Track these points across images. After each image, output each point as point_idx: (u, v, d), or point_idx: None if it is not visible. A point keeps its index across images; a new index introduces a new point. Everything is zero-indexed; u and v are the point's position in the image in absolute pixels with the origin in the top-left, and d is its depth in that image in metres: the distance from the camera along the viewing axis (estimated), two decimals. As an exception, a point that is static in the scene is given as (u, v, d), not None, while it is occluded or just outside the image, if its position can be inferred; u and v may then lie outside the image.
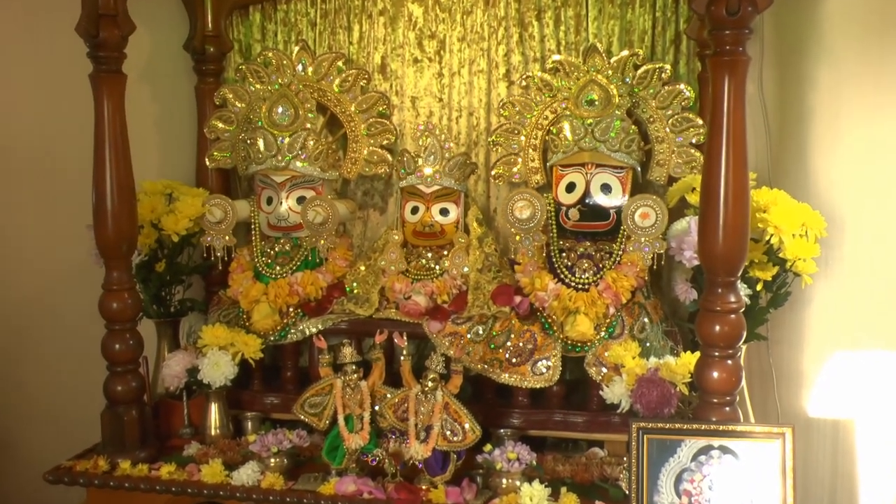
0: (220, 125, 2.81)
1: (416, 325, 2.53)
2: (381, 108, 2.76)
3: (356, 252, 2.84)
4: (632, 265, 2.42)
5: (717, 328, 2.07)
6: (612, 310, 2.41)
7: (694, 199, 2.34)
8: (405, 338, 2.33)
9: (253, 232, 2.77)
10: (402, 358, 2.32)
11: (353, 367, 2.32)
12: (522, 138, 2.65)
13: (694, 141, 2.50)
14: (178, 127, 2.98)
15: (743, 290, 2.25)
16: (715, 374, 2.08)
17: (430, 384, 2.25)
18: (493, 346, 2.46)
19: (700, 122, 2.48)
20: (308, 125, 2.65)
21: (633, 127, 2.48)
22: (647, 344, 2.38)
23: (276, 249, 2.73)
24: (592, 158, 2.46)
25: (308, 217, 2.58)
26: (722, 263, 2.05)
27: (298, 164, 2.64)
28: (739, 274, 2.08)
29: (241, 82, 2.82)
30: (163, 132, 3.01)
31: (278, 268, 2.69)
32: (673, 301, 2.55)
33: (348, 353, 2.33)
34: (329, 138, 2.76)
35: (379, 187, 2.89)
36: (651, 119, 2.54)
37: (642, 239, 2.38)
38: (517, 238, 2.47)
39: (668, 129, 2.53)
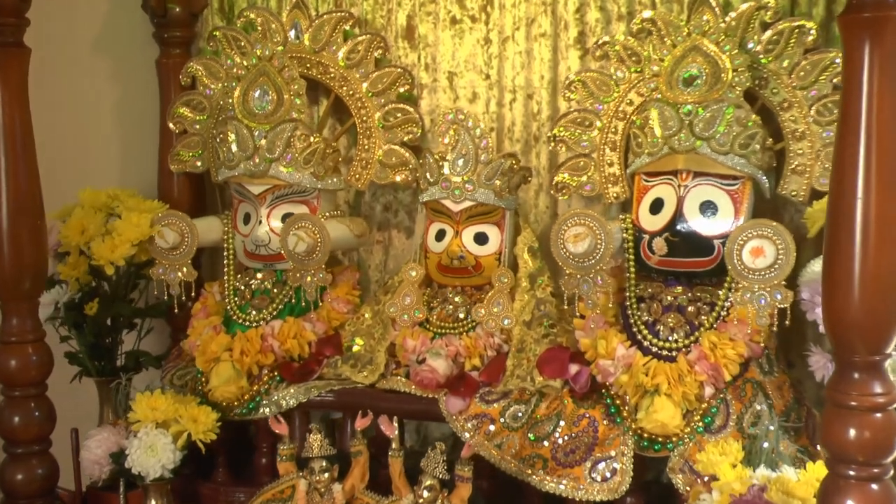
0: (189, 114, 2.77)
1: (430, 402, 2.38)
2: (402, 90, 2.65)
3: (370, 291, 2.73)
4: (742, 324, 2.20)
5: (852, 433, 1.82)
6: (709, 390, 2.21)
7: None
8: (396, 425, 2.23)
9: (225, 261, 2.68)
10: (390, 454, 2.21)
11: (324, 464, 2.23)
12: (596, 133, 2.49)
13: (849, 137, 2.23)
14: (140, 116, 2.93)
15: (897, 374, 2.03)
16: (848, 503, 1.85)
17: (425, 495, 2.12)
18: (533, 436, 2.30)
19: (859, 109, 2.21)
20: (294, 114, 2.54)
21: (754, 116, 2.28)
22: (765, 444, 2.14)
23: (253, 286, 2.62)
24: (688, 164, 2.27)
25: (288, 244, 2.44)
26: (858, 332, 1.79)
27: (282, 168, 2.53)
28: (890, 350, 1.82)
29: (217, 54, 2.75)
30: (123, 123, 2.99)
31: (254, 312, 2.59)
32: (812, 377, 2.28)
33: (316, 442, 2.26)
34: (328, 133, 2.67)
35: (405, 200, 2.81)
36: (785, 104, 2.36)
37: (756, 287, 2.10)
38: (569, 280, 2.23)
39: (811, 120, 2.33)
